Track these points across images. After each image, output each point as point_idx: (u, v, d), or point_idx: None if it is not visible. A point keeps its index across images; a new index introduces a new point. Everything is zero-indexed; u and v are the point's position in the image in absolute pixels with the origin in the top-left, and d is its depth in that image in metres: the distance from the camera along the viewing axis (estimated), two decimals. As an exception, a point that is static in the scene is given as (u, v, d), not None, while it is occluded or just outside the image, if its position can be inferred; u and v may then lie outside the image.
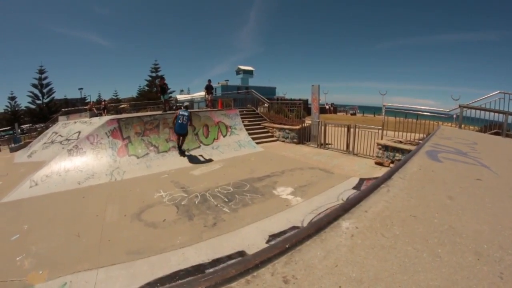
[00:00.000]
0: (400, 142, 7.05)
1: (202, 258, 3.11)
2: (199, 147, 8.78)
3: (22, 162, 8.79)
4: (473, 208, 1.31)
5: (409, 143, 6.85)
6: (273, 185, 5.59)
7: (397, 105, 7.97)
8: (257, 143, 9.98)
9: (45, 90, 34.00)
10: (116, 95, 45.93)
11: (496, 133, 6.11)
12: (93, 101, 23.14)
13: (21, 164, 8.41)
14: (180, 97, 31.74)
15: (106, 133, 7.54)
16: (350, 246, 0.90)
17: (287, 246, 0.85)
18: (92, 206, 4.83)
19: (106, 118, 8.88)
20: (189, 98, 26.76)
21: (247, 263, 0.76)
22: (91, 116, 10.60)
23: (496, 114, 6.24)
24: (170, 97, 17.63)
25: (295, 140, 10.38)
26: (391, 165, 6.84)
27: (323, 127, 9.51)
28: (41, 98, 33.89)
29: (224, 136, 9.70)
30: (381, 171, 6.50)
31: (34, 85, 33.46)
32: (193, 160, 7.90)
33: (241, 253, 3.20)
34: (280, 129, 11.01)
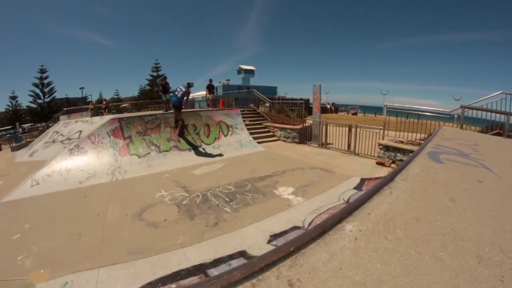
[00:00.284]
0: (402, 142, 7.05)
1: (204, 258, 3.12)
2: (200, 146, 8.79)
3: (23, 161, 8.82)
4: (475, 211, 1.31)
5: (411, 143, 6.85)
6: (274, 185, 5.60)
7: (398, 105, 7.96)
8: (259, 142, 9.99)
9: (46, 90, 34.04)
10: (117, 95, 45.98)
11: (498, 134, 6.10)
12: (95, 100, 23.22)
13: (22, 163, 8.45)
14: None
15: (107, 132, 7.56)
16: (354, 249, 0.90)
17: (291, 249, 0.85)
18: (93, 205, 4.85)
19: (107, 117, 8.91)
20: (190, 97, 26.75)
21: (252, 267, 0.77)
22: (92, 116, 10.63)
23: (498, 115, 6.23)
24: (171, 96, 17.62)
25: (296, 139, 10.38)
26: (392, 165, 6.84)
27: (324, 127, 9.51)
28: (42, 97, 33.92)
29: (225, 136, 9.71)
30: (382, 171, 6.50)
31: (35, 85, 33.50)
32: (194, 159, 7.91)
33: (242, 253, 3.21)
34: (282, 129, 11.01)
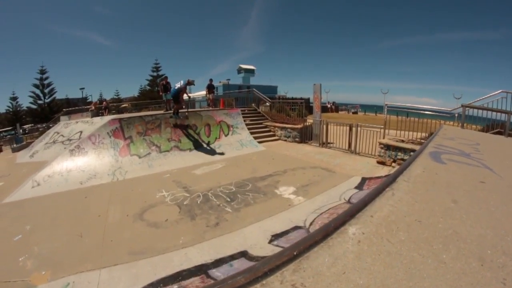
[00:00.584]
0: (402, 141, 7.04)
1: (205, 258, 3.12)
2: (201, 146, 8.79)
3: (24, 162, 8.84)
4: (477, 212, 1.31)
5: (411, 142, 6.84)
6: (275, 185, 5.60)
7: (399, 104, 7.95)
8: (259, 142, 9.99)
9: (46, 90, 34.02)
10: (118, 95, 45.93)
11: (499, 133, 6.09)
12: (97, 100, 23.25)
13: (23, 164, 8.46)
14: (181, 96, 31.70)
15: (107, 133, 7.56)
16: (357, 253, 0.90)
17: (295, 253, 0.85)
18: (94, 206, 4.85)
19: (107, 118, 8.91)
20: (191, 97, 26.76)
21: (256, 271, 0.76)
22: (92, 116, 10.63)
23: (499, 113, 6.21)
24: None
25: (297, 139, 10.38)
26: (393, 164, 6.83)
27: (325, 126, 9.50)
28: (42, 98, 33.91)
29: (226, 136, 9.71)
30: (383, 171, 6.50)
31: (36, 85, 33.48)
32: (195, 159, 7.91)
33: (244, 253, 3.21)
34: (282, 128, 11.00)
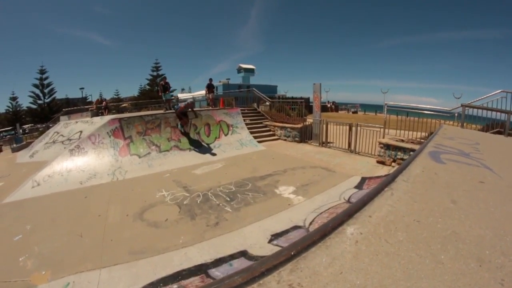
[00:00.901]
0: (402, 140, 7.03)
1: (205, 258, 3.13)
2: (200, 146, 8.79)
3: (24, 162, 8.84)
4: (476, 212, 1.31)
5: (411, 142, 6.83)
6: (275, 184, 5.60)
7: (398, 103, 7.94)
8: (259, 141, 9.99)
9: (46, 90, 33.98)
10: (117, 94, 45.85)
11: (498, 132, 6.09)
12: (98, 98, 23.27)
13: (23, 164, 8.47)
14: (182, 95, 31.79)
15: (107, 132, 7.56)
16: (355, 253, 0.90)
17: (292, 253, 0.85)
18: (94, 206, 4.86)
19: (107, 117, 8.91)
20: (191, 97, 26.78)
21: (253, 271, 0.77)
22: (92, 116, 10.64)
23: (498, 113, 6.21)
24: (172, 95, 17.64)
25: (296, 138, 10.38)
26: (393, 164, 6.83)
27: (324, 126, 9.50)
28: (42, 98, 33.88)
29: (225, 135, 9.71)
30: (383, 170, 6.50)
31: (35, 85, 33.44)
32: (195, 159, 7.91)
33: (244, 253, 3.22)
34: (282, 128, 11.00)
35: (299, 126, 10.43)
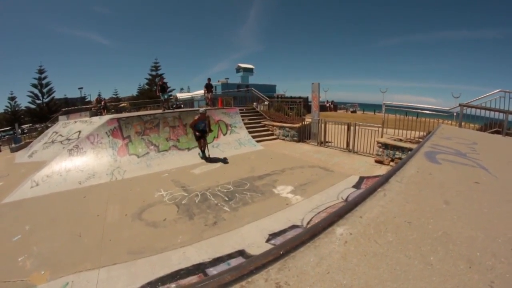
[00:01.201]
0: (400, 140, 7.05)
1: (203, 257, 3.14)
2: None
3: (22, 162, 8.84)
4: (469, 213, 1.31)
5: (409, 141, 6.85)
6: (273, 184, 5.62)
7: (396, 103, 7.95)
8: (257, 141, 10.00)
9: (45, 90, 34.02)
10: (116, 94, 45.85)
11: (496, 132, 6.10)
12: (97, 97, 23.28)
13: (21, 165, 8.47)
14: (180, 95, 31.78)
15: (106, 132, 7.57)
16: (343, 253, 0.91)
17: (281, 252, 0.87)
18: (93, 206, 4.87)
19: (106, 117, 8.91)
20: (189, 96, 26.75)
21: (242, 270, 0.78)
22: (91, 116, 10.64)
23: (497, 113, 6.23)
24: (170, 95, 17.64)
25: (295, 138, 10.39)
26: (391, 163, 6.85)
27: (323, 125, 9.51)
28: (41, 98, 33.92)
29: (224, 135, 9.72)
30: (381, 170, 6.52)
31: (34, 85, 33.48)
32: (193, 159, 7.92)
33: (241, 252, 3.24)
34: (280, 127, 11.01)
35: (297, 125, 10.45)
